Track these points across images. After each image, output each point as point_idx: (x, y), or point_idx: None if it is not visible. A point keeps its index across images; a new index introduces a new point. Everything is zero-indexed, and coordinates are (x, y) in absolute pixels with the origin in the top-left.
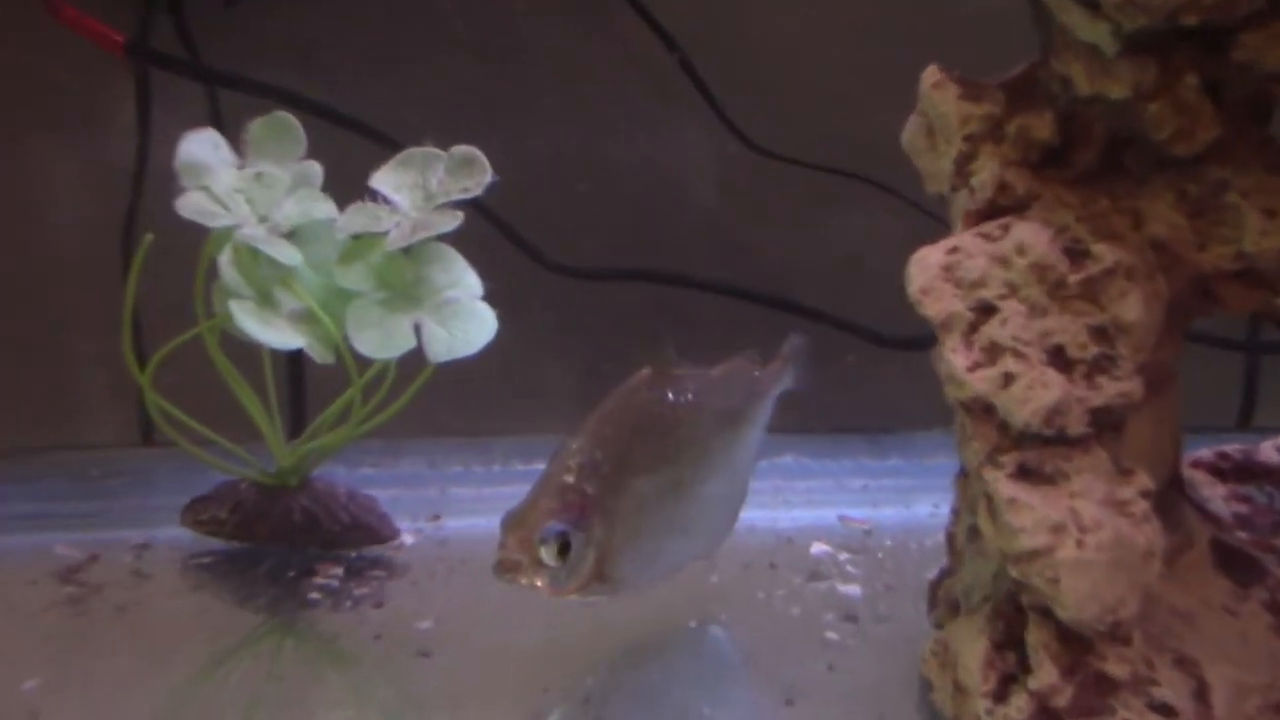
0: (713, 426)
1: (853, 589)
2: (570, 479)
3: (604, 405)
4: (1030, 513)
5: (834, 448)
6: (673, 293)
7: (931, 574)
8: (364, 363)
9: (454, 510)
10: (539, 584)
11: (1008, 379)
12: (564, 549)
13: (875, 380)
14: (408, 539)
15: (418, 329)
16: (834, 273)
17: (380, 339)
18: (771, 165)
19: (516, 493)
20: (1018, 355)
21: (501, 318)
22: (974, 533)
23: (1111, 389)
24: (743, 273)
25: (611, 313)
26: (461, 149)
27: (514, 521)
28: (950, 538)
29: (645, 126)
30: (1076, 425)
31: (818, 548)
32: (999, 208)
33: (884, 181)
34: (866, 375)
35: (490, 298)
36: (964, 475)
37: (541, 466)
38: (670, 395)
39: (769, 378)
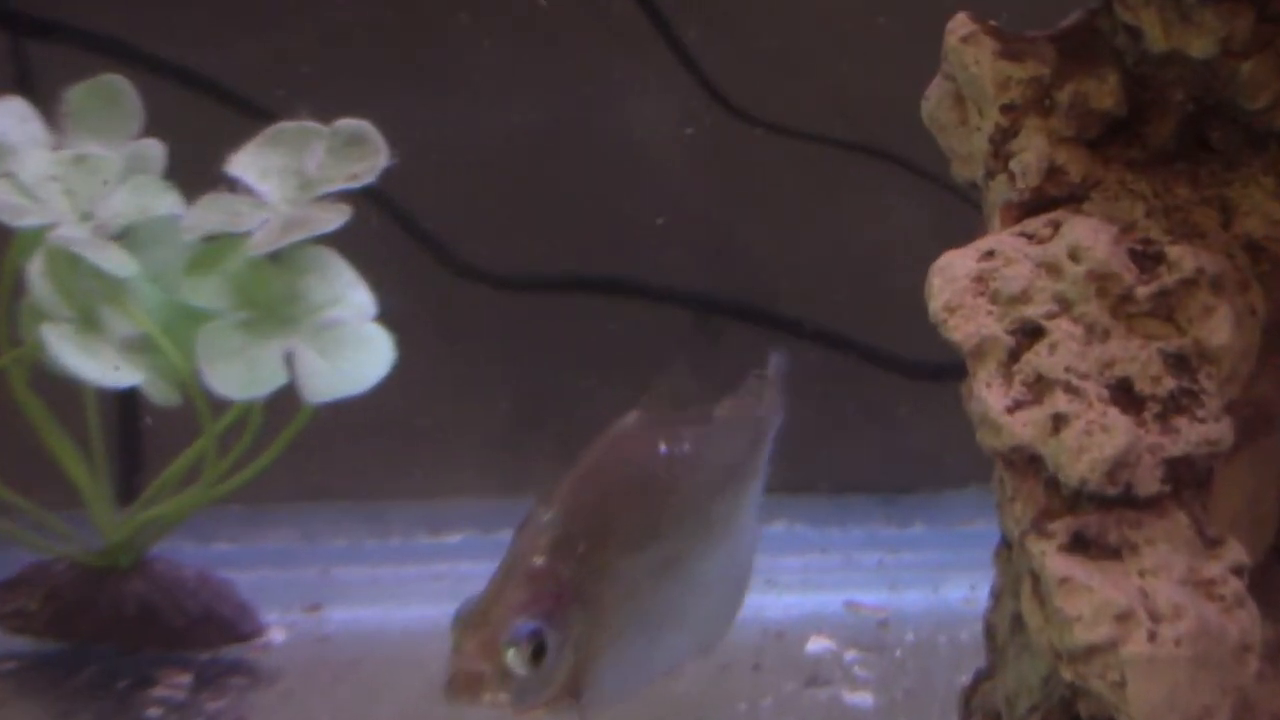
0: (716, 487)
1: (863, 698)
2: (541, 560)
3: (582, 461)
4: (1089, 596)
5: (840, 512)
6: (630, 307)
7: (966, 678)
8: (220, 404)
9: (339, 598)
10: (503, 699)
11: (1058, 422)
12: (538, 652)
13: (895, 423)
14: (277, 636)
15: (290, 360)
16: (842, 279)
17: (241, 373)
18: (760, 137)
19: (420, 575)
20: (1071, 391)
21: (401, 344)
22: (1019, 622)
23: (1194, 434)
24: (723, 280)
25: (551, 334)
26: (348, 123)
27: (472, 619)
28: (989, 629)
29: (594, 88)
30: (1148, 481)
31: (817, 644)
32: (1048, 199)
33: (906, 158)
34: (883, 416)
35: (386, 318)
36: (1006, 547)
37: (455, 539)
38: (664, 447)
39: (767, 413)
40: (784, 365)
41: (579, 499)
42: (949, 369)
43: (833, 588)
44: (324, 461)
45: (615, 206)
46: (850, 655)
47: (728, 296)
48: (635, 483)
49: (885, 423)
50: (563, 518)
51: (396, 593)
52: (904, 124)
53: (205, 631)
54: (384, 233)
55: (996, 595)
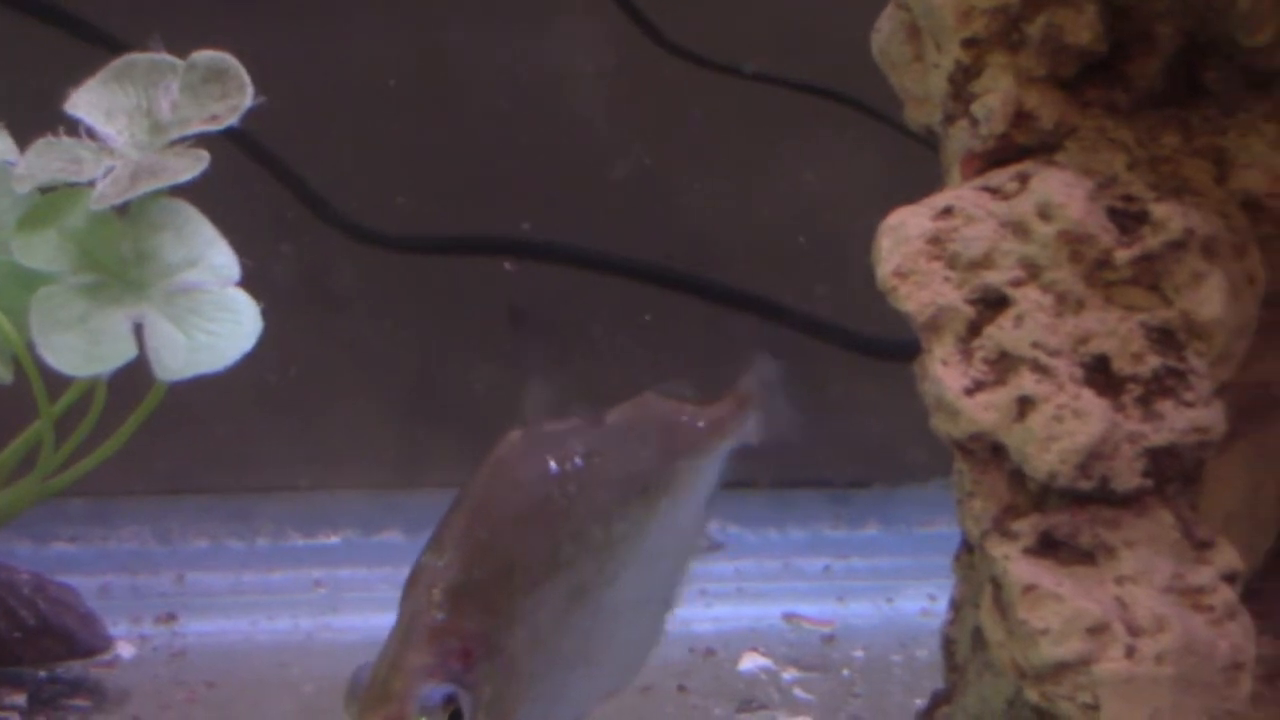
0: (615, 501)
1: None
2: (441, 615)
3: (467, 494)
4: (1057, 606)
5: (781, 510)
6: (546, 273)
7: (922, 701)
8: (59, 382)
9: (197, 608)
10: None
11: (1025, 406)
12: None
13: (846, 408)
14: (125, 651)
15: (139, 330)
16: (787, 240)
17: (83, 346)
18: (696, 76)
19: (291, 582)
20: (1040, 370)
21: (271, 313)
22: (980, 637)
23: (1180, 421)
24: (651, 241)
25: (450, 305)
26: (207, 55)
27: (373, 693)
28: (948, 645)
29: (504, 18)
30: (1127, 475)
31: (752, 662)
32: (1015, 148)
33: (864, 100)
34: (833, 400)
35: (253, 282)
36: (967, 550)
37: (333, 540)
38: (554, 465)
39: (707, 425)
40: (771, 374)
41: (472, 539)
42: (910, 345)
43: (771, 598)
44: (180, 449)
45: (527, 157)
46: (789, 675)
47: (657, 260)
48: (529, 511)
49: (835, 407)
50: (457, 563)
51: (263, 602)
52: (861, 61)
53: (43, 645)
54: (252, 184)
55: (956, 606)
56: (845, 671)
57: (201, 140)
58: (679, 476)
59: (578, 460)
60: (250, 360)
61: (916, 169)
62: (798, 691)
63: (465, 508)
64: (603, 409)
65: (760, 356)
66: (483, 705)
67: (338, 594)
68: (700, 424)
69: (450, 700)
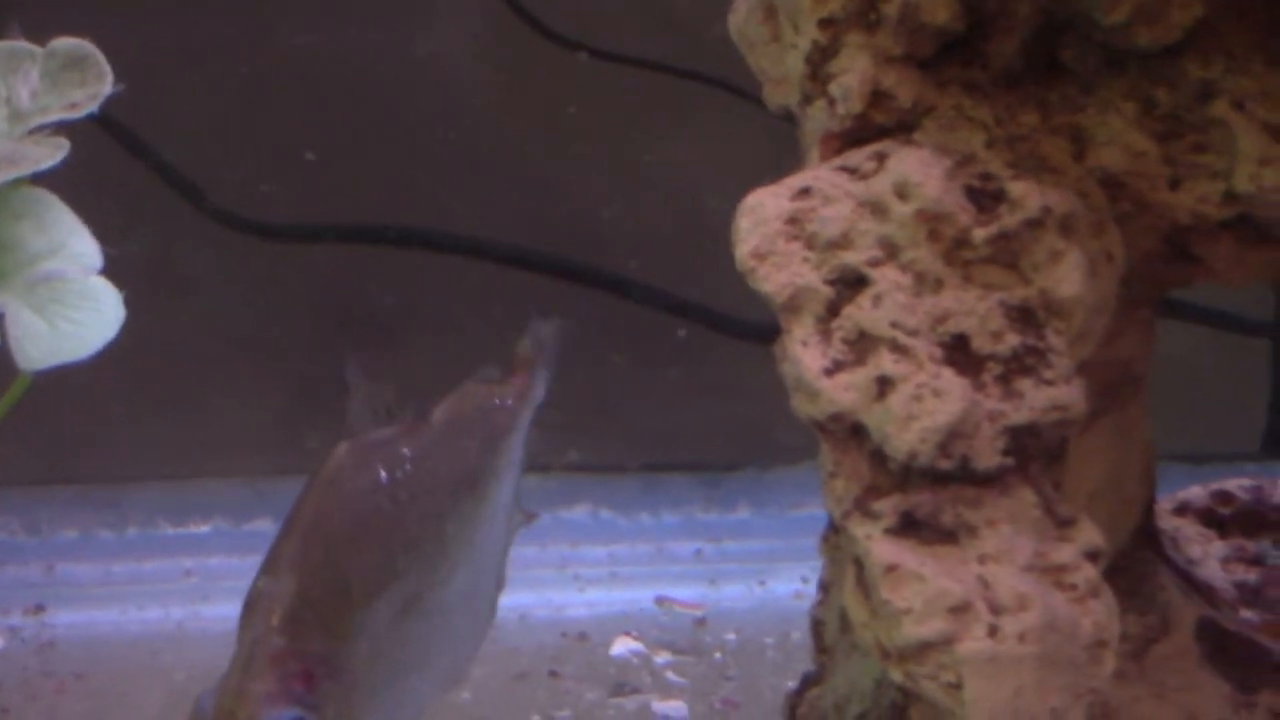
0: (447, 503)
1: (676, 707)
2: (282, 640)
3: (299, 514)
4: (919, 585)
5: (652, 493)
6: (417, 260)
7: (794, 683)
8: None
9: (66, 598)
10: None
11: (884, 386)
12: None
13: (716, 390)
14: None
15: (0, 320)
16: (659, 223)
17: None
18: (571, 61)
19: (161, 572)
20: (898, 350)
21: (135, 301)
22: (848, 618)
23: (1040, 399)
24: (526, 225)
25: (321, 293)
26: (66, 42)
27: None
28: (816, 626)
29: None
30: (988, 454)
31: (623, 646)
32: (873, 127)
33: (741, 85)
34: (704, 382)
35: (116, 271)
36: (834, 531)
37: (203, 529)
38: (384, 474)
39: (514, 402)
40: (548, 335)
41: (306, 559)
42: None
43: (643, 582)
44: (47, 438)
45: (405, 143)
46: (662, 659)
47: (534, 246)
48: (361, 524)
49: (706, 389)
50: (293, 585)
51: (134, 592)
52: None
53: None
54: (115, 170)
55: (825, 587)
56: (718, 655)
57: (61, 127)
58: (501, 459)
59: (407, 466)
60: (117, 348)
61: (789, 149)
62: (670, 675)
63: (298, 528)
64: (427, 408)
65: (533, 320)
66: None
67: (209, 583)
68: (509, 402)
69: None
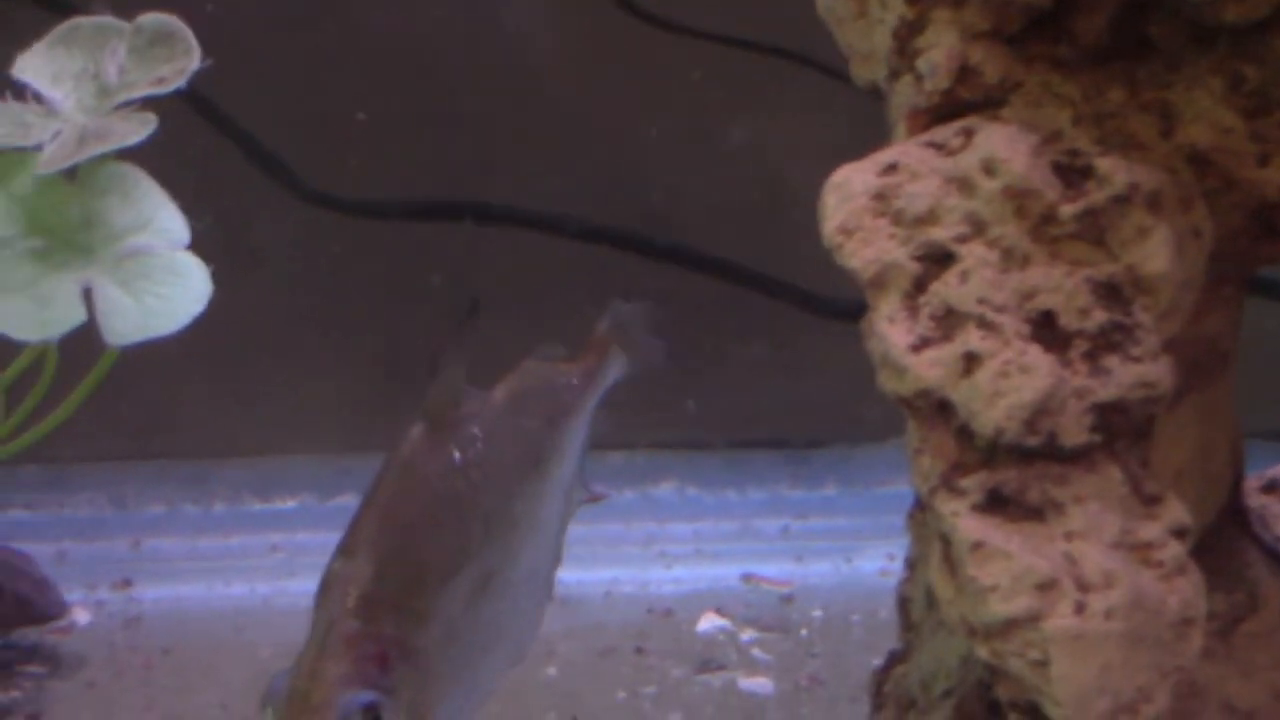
0: (515, 480)
1: (761, 684)
2: (357, 622)
3: (375, 495)
4: (1006, 563)
5: (737, 470)
6: (508, 237)
7: (880, 661)
8: (9, 347)
9: (153, 573)
10: None
11: (971, 362)
12: None
13: (803, 368)
14: (81, 617)
15: (88, 295)
16: (745, 202)
17: (31, 311)
18: (655, 38)
19: (247, 547)
20: (985, 326)
21: (222, 277)
22: (934, 595)
23: (1127, 376)
24: (606, 201)
25: (409, 268)
26: (153, 18)
27: (293, 704)
28: (903, 604)
29: None
30: (1075, 431)
31: (710, 622)
32: (960, 103)
33: (825, 61)
34: (790, 360)
35: (204, 246)
36: (920, 509)
37: (289, 505)
38: (457, 455)
39: (579, 380)
40: (628, 317)
41: (383, 541)
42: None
43: (729, 559)
44: (134, 414)
45: (489, 121)
46: (748, 636)
47: (617, 223)
48: (437, 506)
49: (792, 367)
50: (369, 567)
51: (220, 567)
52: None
53: None
54: (202, 146)
55: (911, 565)
56: (804, 631)
57: (149, 103)
58: (564, 438)
59: (479, 446)
60: (203, 323)
61: (876, 127)
62: (756, 652)
63: (374, 510)
64: (490, 386)
65: (613, 302)
66: (403, 708)
67: (294, 558)
68: (574, 381)
69: (371, 707)
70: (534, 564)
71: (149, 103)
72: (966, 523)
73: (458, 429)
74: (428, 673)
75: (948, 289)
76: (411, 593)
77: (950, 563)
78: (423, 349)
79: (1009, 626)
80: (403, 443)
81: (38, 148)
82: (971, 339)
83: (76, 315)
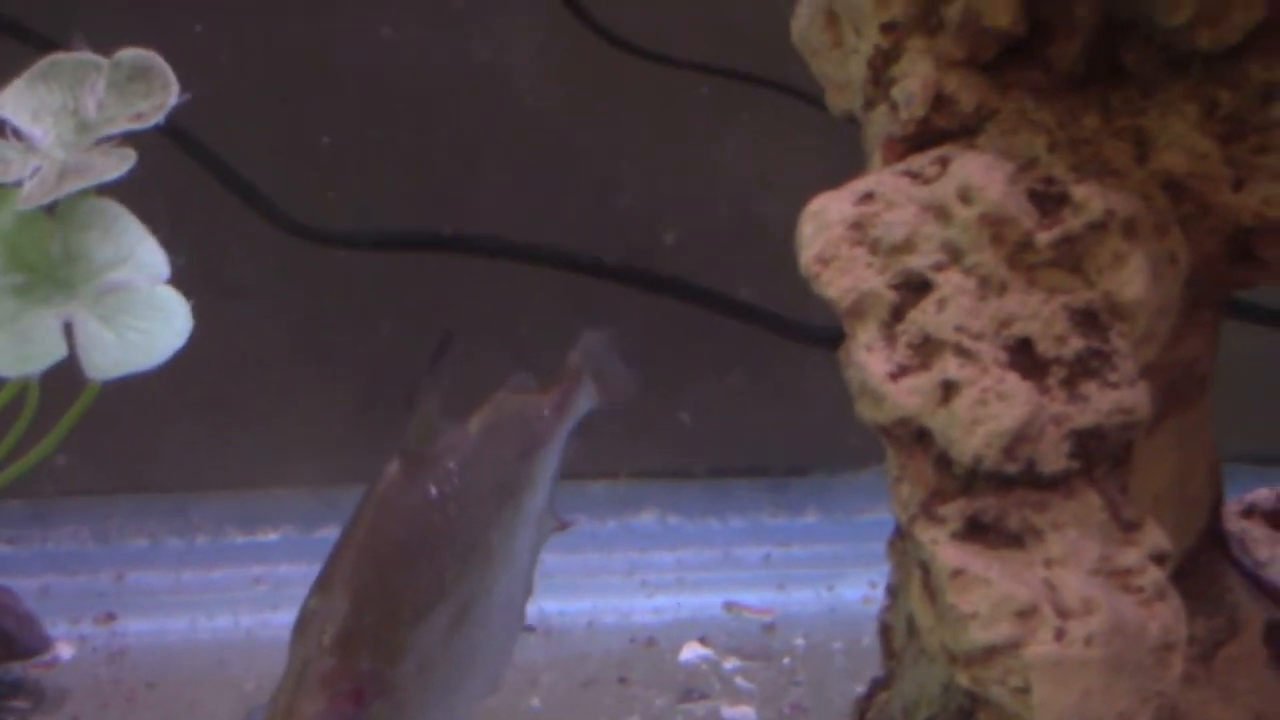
0: (490, 513)
1: (744, 713)
2: (333, 659)
3: (353, 533)
4: (985, 590)
5: (719, 499)
6: (475, 266)
7: (862, 688)
8: None
9: (136, 607)
10: None
11: (949, 390)
12: None
13: (782, 395)
14: (65, 652)
15: (69, 330)
16: (724, 229)
17: (13, 346)
18: (634, 66)
19: (231, 580)
20: (963, 354)
21: (203, 311)
22: (915, 623)
23: (1105, 401)
24: (587, 230)
25: (389, 299)
26: (132, 53)
27: None
28: (885, 631)
29: (439, 6)
30: (1053, 457)
31: (692, 652)
32: (935, 132)
33: (803, 88)
34: (769, 388)
35: (183, 280)
36: (900, 536)
37: (272, 538)
38: (434, 490)
39: (551, 412)
40: (596, 346)
41: (360, 577)
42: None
43: (711, 587)
44: (117, 448)
45: (469, 149)
46: (731, 664)
47: (597, 252)
48: (414, 542)
49: (772, 395)
50: (347, 603)
51: (203, 600)
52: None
53: None
54: (182, 178)
55: (893, 592)
56: (786, 660)
57: (128, 138)
58: (537, 469)
59: (455, 480)
60: (183, 357)
61: (851, 153)
62: (739, 680)
63: (351, 547)
64: (464, 418)
65: (585, 331)
66: None
67: (277, 591)
68: (546, 412)
69: None
70: (508, 594)
71: (127, 137)
72: (946, 550)
73: (434, 464)
74: (404, 707)
75: (925, 317)
76: (388, 628)
77: (930, 590)
78: (403, 380)
79: (989, 654)
80: (379, 479)
81: (17, 184)
82: (949, 367)
83: (57, 350)
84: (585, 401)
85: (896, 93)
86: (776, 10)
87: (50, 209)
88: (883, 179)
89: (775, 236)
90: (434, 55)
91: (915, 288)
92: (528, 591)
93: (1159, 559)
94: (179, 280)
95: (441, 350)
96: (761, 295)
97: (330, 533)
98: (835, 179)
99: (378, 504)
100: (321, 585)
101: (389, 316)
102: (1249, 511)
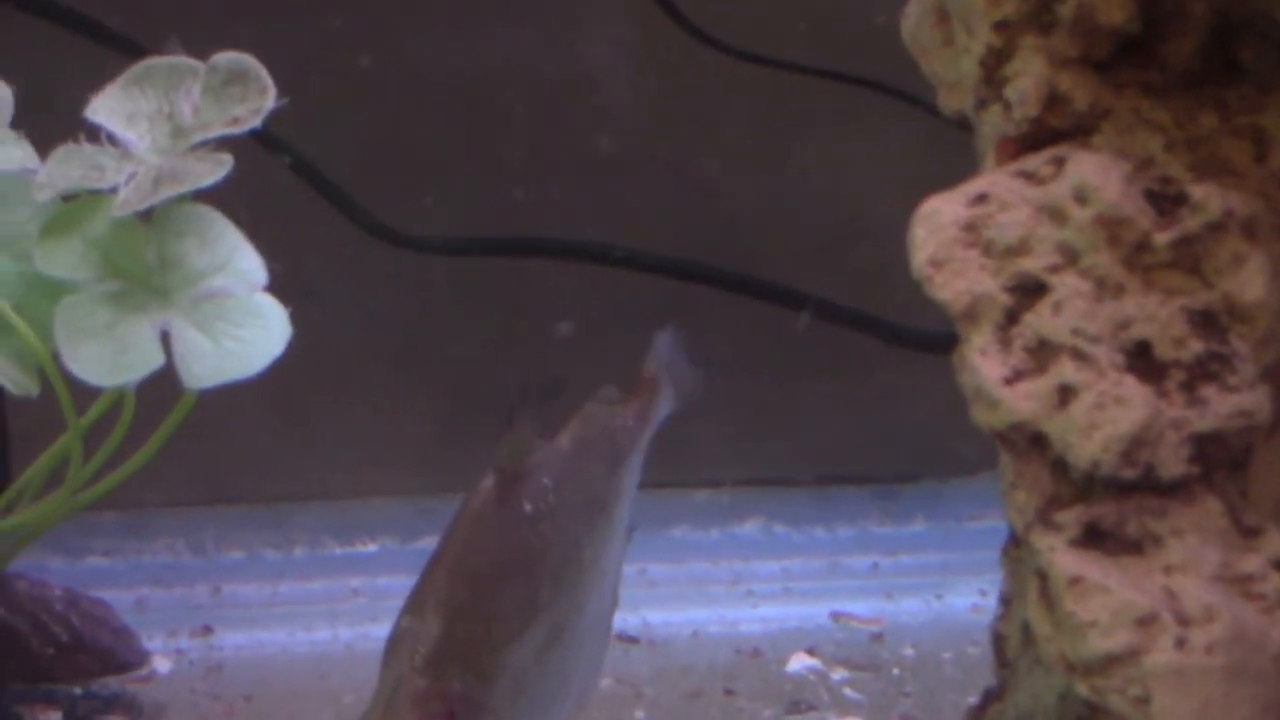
0: (582, 529)
1: None
2: (425, 680)
3: (446, 550)
4: (1105, 597)
5: (826, 507)
6: (583, 271)
7: (974, 699)
8: (87, 393)
9: (233, 620)
10: None
11: (1066, 394)
12: None
13: (890, 402)
14: (162, 666)
15: (166, 338)
16: (826, 233)
17: (109, 355)
18: (730, 67)
19: (329, 592)
20: (1080, 357)
21: (301, 319)
22: (1030, 632)
23: (1224, 405)
24: (686, 236)
25: (484, 307)
26: (228, 57)
27: None
28: (998, 641)
29: (530, 9)
30: (1172, 462)
31: (800, 662)
32: (1049, 131)
33: (902, 88)
34: (876, 394)
35: (281, 288)
36: (1015, 544)
37: (370, 549)
38: (529, 506)
39: (634, 422)
40: (669, 345)
41: (453, 597)
42: (954, 337)
43: (818, 597)
44: (213, 459)
45: (561, 153)
46: (839, 675)
47: (691, 256)
48: (509, 560)
49: (880, 401)
50: (438, 624)
51: (301, 612)
52: (898, 48)
53: (77, 661)
54: (279, 186)
55: (1006, 600)
56: (895, 670)
57: (224, 143)
58: (623, 481)
59: (550, 497)
60: (282, 366)
61: (957, 155)
62: (847, 691)
63: (444, 565)
64: (554, 432)
65: (657, 334)
66: None
67: (376, 602)
68: (630, 422)
69: None
70: (598, 610)
71: (222, 143)
72: (1064, 558)
73: (528, 481)
74: None
75: (1040, 320)
76: (480, 650)
77: (1048, 598)
78: (498, 386)
79: (1109, 662)
80: (474, 495)
81: (113, 190)
82: (1066, 371)
83: (154, 359)
84: (665, 406)
85: (1009, 92)
86: (879, 7)
87: (146, 215)
88: (996, 180)
89: (878, 240)
90: (527, 58)
91: (1030, 290)
92: (614, 603)
93: None
94: (274, 287)
95: (549, 389)
96: (866, 300)
97: (428, 543)
98: (940, 181)
99: (471, 521)
100: (414, 604)
101: (480, 321)
102: None
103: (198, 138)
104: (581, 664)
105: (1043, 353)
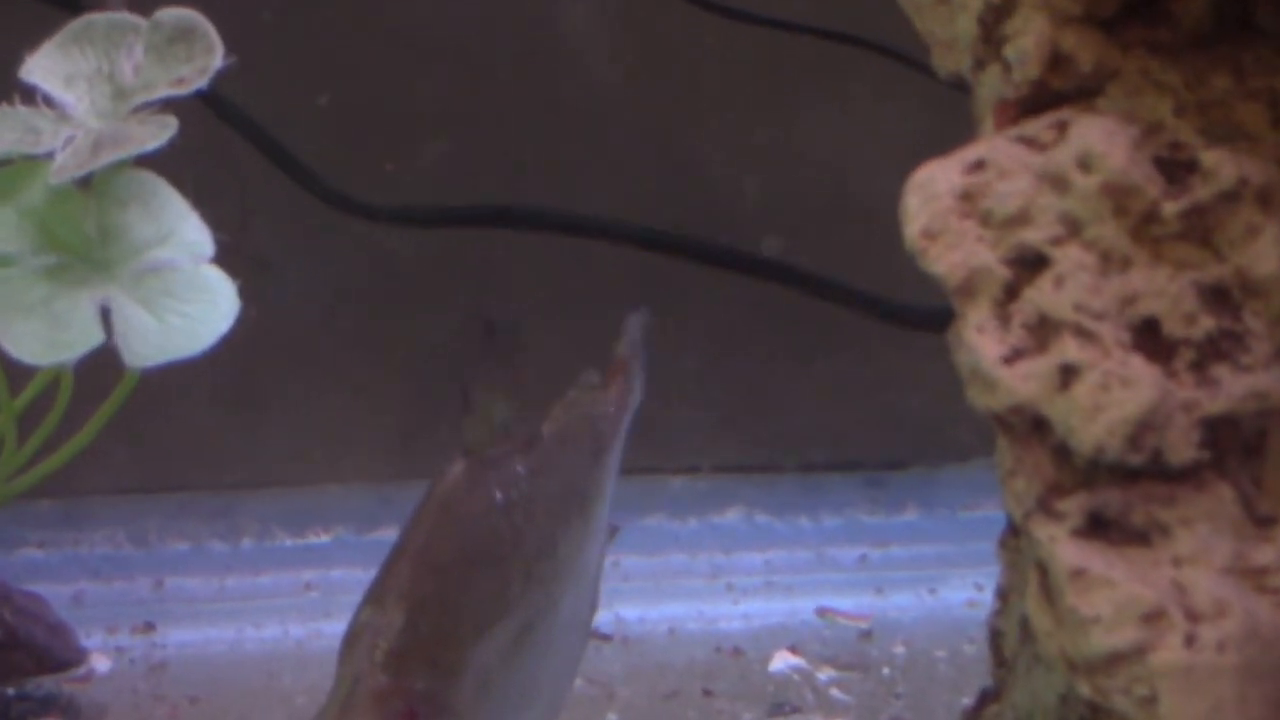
0: (559, 524)
1: None
2: (385, 677)
3: (410, 539)
4: (1109, 591)
5: (812, 495)
6: (545, 244)
7: (969, 699)
8: (21, 373)
9: (178, 615)
10: None
11: (1068, 375)
12: None
13: (880, 383)
14: (101, 664)
15: (106, 314)
16: (814, 203)
17: (45, 332)
18: (714, 25)
19: (279, 586)
20: (1083, 335)
21: (252, 293)
22: (1029, 628)
23: (1238, 386)
24: (665, 206)
25: (452, 281)
26: (173, 13)
27: None
28: (995, 637)
29: None
30: (1182, 447)
31: (783, 661)
32: (1052, 94)
33: (898, 47)
34: (864, 375)
35: (230, 260)
36: (1013, 534)
37: (323, 540)
38: (500, 494)
39: (615, 409)
40: (637, 331)
41: (417, 590)
42: (949, 313)
43: (803, 591)
44: (156, 443)
45: (532, 116)
46: (825, 675)
47: (674, 227)
48: (476, 551)
49: (870, 382)
50: (401, 618)
51: (249, 608)
52: (890, 4)
53: (10, 659)
54: (226, 151)
55: (1003, 595)
56: (885, 670)
57: (168, 104)
58: (605, 473)
59: (523, 486)
60: (230, 345)
61: (953, 119)
62: (834, 692)
63: (407, 555)
64: (537, 422)
65: (629, 316)
66: None
67: (330, 597)
68: (610, 409)
69: None
70: (575, 609)
71: (167, 105)
72: (1066, 548)
73: (501, 466)
74: None
75: (1042, 295)
76: (445, 645)
77: (1048, 592)
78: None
79: (1113, 660)
80: (440, 480)
81: (49, 155)
82: (1068, 349)
83: (94, 336)
84: (639, 392)
85: (1009, 52)
86: None
87: (85, 183)
88: (995, 145)
89: (869, 211)
90: (502, 18)
91: (1031, 263)
92: (594, 606)
93: None
94: (222, 260)
95: (487, 342)
96: (854, 275)
97: (388, 533)
98: (937, 148)
99: (438, 508)
100: (374, 595)
101: (446, 298)
102: None
103: (140, 99)
104: (554, 667)
105: (1044, 330)
